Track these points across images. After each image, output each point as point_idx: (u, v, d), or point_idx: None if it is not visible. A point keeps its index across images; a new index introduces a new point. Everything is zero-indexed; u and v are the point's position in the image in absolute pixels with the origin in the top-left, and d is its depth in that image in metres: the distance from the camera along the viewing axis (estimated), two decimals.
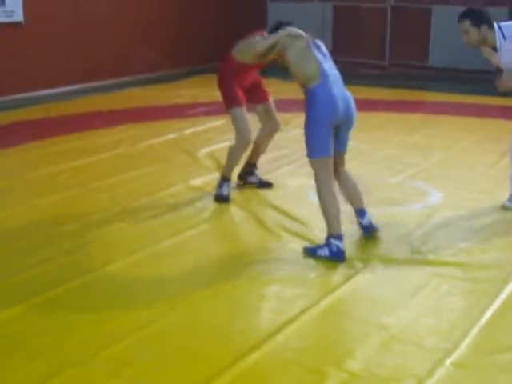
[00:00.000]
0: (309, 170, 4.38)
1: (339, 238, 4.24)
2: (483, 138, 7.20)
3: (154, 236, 4.57)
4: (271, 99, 5.47)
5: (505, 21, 4.85)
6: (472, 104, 9.01)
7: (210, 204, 5.20)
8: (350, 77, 5.39)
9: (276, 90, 6.63)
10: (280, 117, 5.54)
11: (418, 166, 6.17)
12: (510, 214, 5.02)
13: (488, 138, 7.19)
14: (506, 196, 5.18)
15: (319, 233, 4.45)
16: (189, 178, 5.77)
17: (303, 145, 4.29)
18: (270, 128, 5.48)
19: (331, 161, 4.28)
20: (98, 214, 4.97)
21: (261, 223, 4.82)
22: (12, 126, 7.60)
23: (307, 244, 4.41)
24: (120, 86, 9.97)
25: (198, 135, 7.27)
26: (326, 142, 4.21)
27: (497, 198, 5.30)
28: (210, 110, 8.38)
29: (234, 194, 5.35)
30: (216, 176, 5.53)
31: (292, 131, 6.80)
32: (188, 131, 7.41)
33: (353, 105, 4.37)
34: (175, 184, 5.62)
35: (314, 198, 4.52)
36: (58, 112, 8.32)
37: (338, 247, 4.22)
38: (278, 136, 5.61)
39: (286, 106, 7.53)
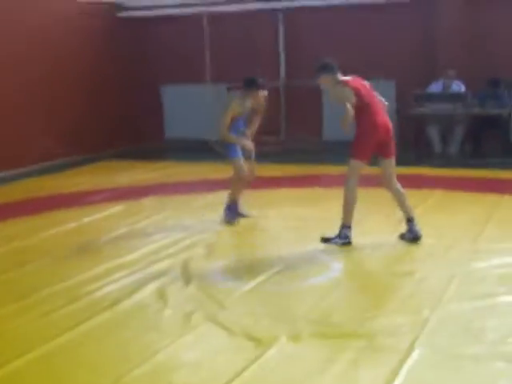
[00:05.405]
0: None
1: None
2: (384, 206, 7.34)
3: (53, 330, 4.39)
4: None
5: None
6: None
7: (108, 294, 5.05)
8: None
9: None
10: None
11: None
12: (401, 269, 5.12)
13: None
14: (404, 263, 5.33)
15: None
16: (87, 269, 5.60)
17: None
18: None
19: None
20: None
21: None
22: None
23: None
24: (13, 178, 9.73)
25: (99, 222, 7.15)
26: None
27: (392, 266, 5.44)
28: (109, 196, 8.33)
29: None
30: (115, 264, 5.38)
31: None
32: (88, 219, 7.28)
33: None
34: (72, 276, 5.43)
35: None
36: None
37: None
38: None
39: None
